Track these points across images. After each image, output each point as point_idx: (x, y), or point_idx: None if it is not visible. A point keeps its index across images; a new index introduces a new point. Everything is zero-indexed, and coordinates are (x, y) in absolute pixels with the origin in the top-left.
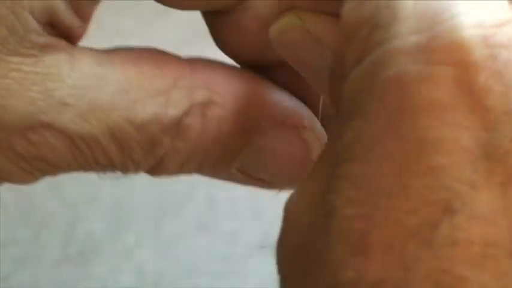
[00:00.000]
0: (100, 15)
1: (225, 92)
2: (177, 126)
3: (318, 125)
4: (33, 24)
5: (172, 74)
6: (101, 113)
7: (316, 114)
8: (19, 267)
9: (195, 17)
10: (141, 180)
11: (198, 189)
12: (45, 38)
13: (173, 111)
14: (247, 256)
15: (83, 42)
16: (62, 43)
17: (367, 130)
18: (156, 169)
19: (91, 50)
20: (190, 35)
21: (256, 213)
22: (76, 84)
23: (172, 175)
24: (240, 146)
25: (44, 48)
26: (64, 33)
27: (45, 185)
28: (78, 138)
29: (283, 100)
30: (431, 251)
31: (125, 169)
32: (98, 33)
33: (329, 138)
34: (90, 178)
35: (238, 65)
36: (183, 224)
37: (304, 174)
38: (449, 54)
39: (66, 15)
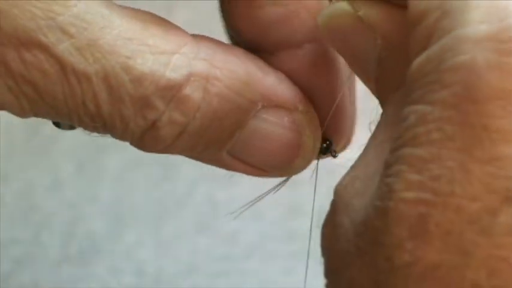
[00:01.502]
0: None
1: (227, 69)
2: (174, 93)
3: (311, 110)
4: None
5: (176, 39)
6: (99, 52)
7: (311, 102)
8: (19, 267)
9: (196, 18)
10: (141, 180)
11: (198, 189)
12: None
13: (172, 75)
14: (247, 256)
15: None
16: None
17: (431, 115)
18: (147, 136)
19: None
20: None
21: (256, 213)
22: (80, 16)
23: (162, 151)
24: (236, 127)
25: None
26: None
27: (45, 185)
28: (70, 70)
29: (280, 82)
30: (490, 238)
31: (112, 125)
32: None
33: (383, 123)
34: (90, 178)
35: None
36: (183, 224)
37: (292, 159)
38: None
39: None
